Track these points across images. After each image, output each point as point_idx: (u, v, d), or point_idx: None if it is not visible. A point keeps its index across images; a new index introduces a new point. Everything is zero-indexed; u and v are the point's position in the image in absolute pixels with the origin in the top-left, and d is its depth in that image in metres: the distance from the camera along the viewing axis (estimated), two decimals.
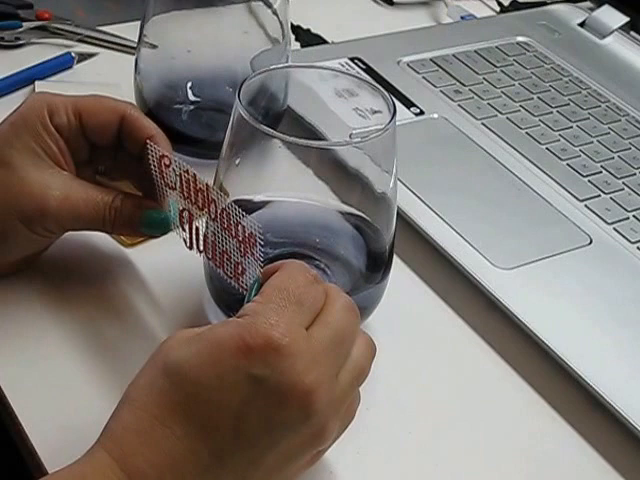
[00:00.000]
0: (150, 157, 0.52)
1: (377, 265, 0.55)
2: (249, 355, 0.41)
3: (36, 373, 0.53)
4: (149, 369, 0.44)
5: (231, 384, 0.42)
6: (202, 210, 0.50)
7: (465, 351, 0.59)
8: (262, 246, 0.47)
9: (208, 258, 0.51)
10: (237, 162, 0.52)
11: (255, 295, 0.45)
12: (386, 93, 0.53)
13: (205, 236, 0.51)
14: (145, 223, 0.55)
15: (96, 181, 0.58)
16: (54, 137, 0.55)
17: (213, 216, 0.49)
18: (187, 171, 0.51)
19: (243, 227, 0.47)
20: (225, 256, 0.49)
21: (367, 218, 0.55)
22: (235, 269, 0.49)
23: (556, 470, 0.53)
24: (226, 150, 0.53)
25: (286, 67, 0.64)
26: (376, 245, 0.55)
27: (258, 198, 0.55)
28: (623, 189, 0.71)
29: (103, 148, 0.57)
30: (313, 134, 0.68)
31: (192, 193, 0.50)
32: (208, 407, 0.42)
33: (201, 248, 0.51)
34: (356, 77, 0.58)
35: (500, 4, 0.98)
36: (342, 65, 0.78)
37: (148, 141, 0.54)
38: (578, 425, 0.55)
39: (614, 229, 0.67)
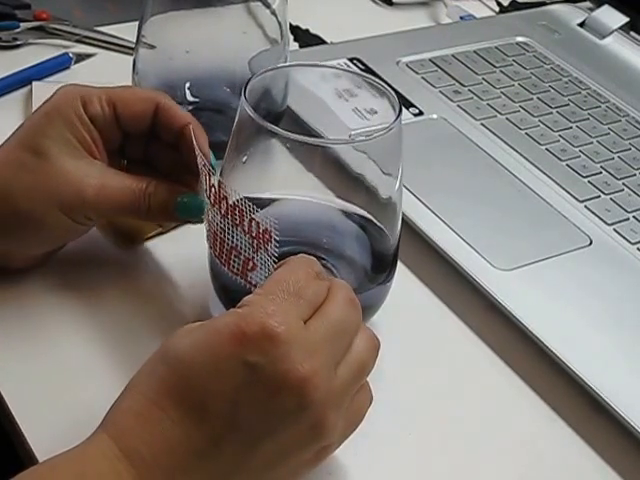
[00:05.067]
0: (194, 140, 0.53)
1: (383, 265, 0.55)
2: (244, 342, 0.42)
3: (34, 371, 0.53)
4: (152, 358, 0.45)
5: (226, 371, 0.42)
6: (213, 207, 0.51)
7: (465, 352, 0.59)
8: (277, 242, 0.47)
9: (215, 255, 0.51)
10: (244, 160, 0.52)
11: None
12: (391, 91, 0.53)
13: (214, 233, 0.51)
14: (180, 208, 0.55)
15: (127, 170, 0.58)
16: (88, 127, 0.55)
17: (223, 212, 0.50)
18: (204, 165, 0.51)
19: (257, 223, 0.48)
20: (234, 252, 0.50)
21: (372, 219, 0.55)
22: (244, 265, 0.49)
23: (556, 471, 0.53)
24: (232, 148, 0.53)
25: (293, 66, 0.63)
26: (382, 246, 0.55)
27: (264, 196, 0.55)
28: (623, 190, 0.70)
29: (134, 138, 0.58)
30: (313, 135, 0.67)
31: (207, 188, 0.51)
32: (203, 393, 0.42)
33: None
34: (361, 75, 0.57)
35: (499, 4, 0.98)
36: (341, 66, 0.78)
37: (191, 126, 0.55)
38: (578, 426, 0.55)
39: (614, 230, 0.66)
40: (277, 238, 0.47)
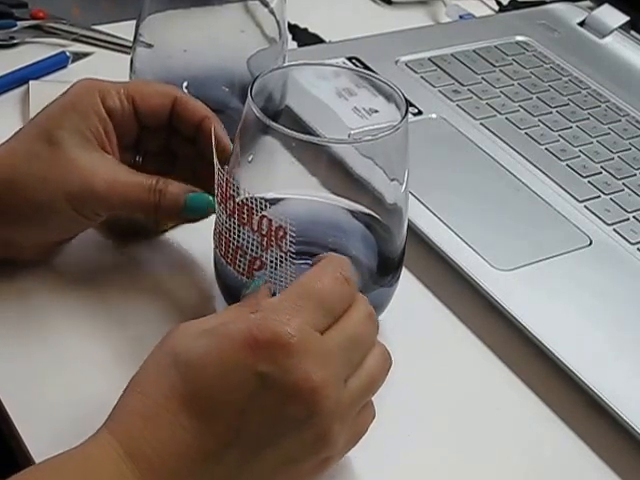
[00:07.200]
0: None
1: (388, 267, 0.55)
2: (256, 350, 0.42)
3: (33, 371, 0.53)
4: (159, 359, 0.44)
5: (237, 380, 0.42)
6: (219, 206, 0.51)
7: (465, 353, 0.58)
8: (293, 238, 0.47)
9: (220, 254, 0.51)
10: (250, 159, 0.52)
11: (252, 290, 0.47)
12: (397, 90, 0.52)
13: (220, 233, 0.51)
14: (189, 206, 0.55)
15: (142, 165, 0.58)
16: (104, 121, 0.55)
17: (229, 211, 0.49)
18: (215, 163, 0.51)
19: (269, 220, 0.48)
20: (239, 252, 0.50)
21: (379, 218, 0.54)
22: (250, 265, 0.49)
23: (557, 473, 0.53)
24: (237, 148, 0.52)
25: (299, 65, 0.62)
26: (388, 247, 0.54)
27: (270, 195, 0.54)
28: (623, 190, 0.70)
29: (151, 132, 0.58)
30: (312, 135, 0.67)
31: (216, 186, 0.51)
32: (214, 400, 0.42)
33: None
34: (366, 74, 0.56)
35: (499, 3, 0.98)
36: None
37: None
38: (578, 428, 0.54)
39: (614, 230, 0.66)
40: (293, 234, 0.47)
